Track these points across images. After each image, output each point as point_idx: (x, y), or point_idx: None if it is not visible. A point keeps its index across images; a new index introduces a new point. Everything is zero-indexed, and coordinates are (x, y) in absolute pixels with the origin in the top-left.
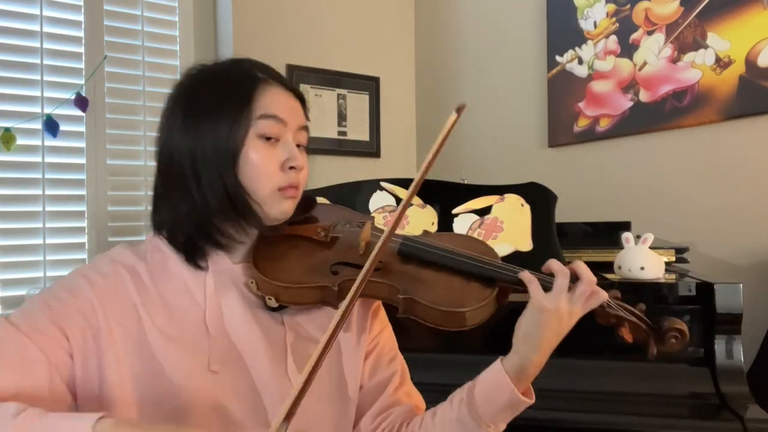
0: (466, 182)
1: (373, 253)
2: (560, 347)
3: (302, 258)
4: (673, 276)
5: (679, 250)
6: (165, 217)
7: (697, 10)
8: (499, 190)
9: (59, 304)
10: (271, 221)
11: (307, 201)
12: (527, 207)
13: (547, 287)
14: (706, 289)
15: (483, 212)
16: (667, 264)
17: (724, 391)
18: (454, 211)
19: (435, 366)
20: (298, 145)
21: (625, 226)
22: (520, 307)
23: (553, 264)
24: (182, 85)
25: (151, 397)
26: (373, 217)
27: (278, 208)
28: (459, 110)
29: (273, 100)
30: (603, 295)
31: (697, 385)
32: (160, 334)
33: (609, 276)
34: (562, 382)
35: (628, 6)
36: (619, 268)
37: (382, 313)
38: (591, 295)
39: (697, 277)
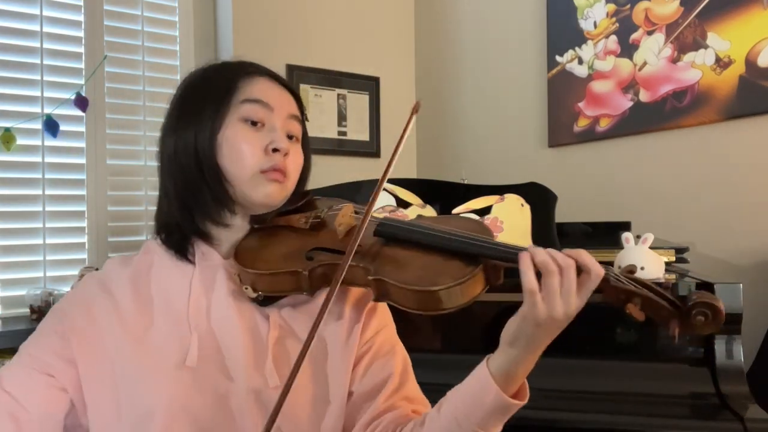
0: (466, 182)
1: (353, 241)
2: (560, 347)
3: (282, 247)
4: (673, 276)
5: (679, 250)
6: (159, 216)
7: (697, 10)
8: (499, 190)
9: (37, 351)
10: (257, 207)
11: (301, 195)
12: (527, 207)
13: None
14: (706, 289)
15: (483, 212)
16: (667, 264)
17: (724, 391)
18: (454, 211)
19: (435, 366)
20: (290, 136)
21: (625, 226)
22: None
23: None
24: (179, 87)
25: (126, 398)
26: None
27: (262, 191)
28: (415, 109)
29: (259, 86)
30: (598, 271)
31: (697, 385)
32: (133, 338)
33: None
34: (562, 382)
35: (628, 6)
36: (619, 268)
37: (381, 311)
38: (586, 277)
39: (697, 277)
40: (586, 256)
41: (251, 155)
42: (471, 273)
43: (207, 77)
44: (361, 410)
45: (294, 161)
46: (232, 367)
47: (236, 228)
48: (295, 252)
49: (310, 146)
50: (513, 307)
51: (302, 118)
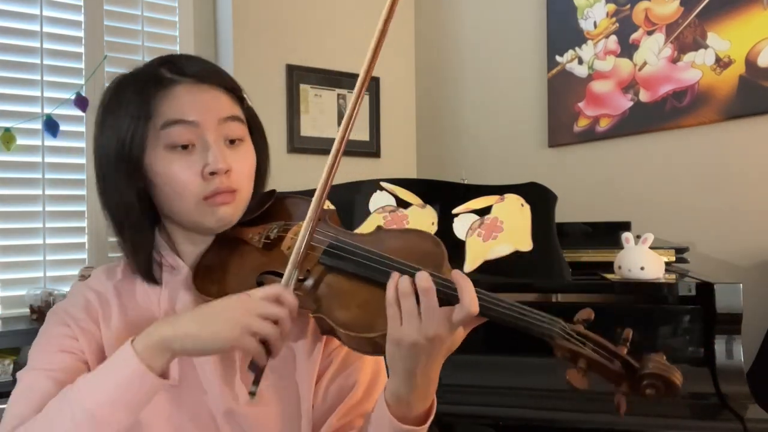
0: (466, 182)
1: (288, 268)
2: None
3: (235, 267)
4: (673, 276)
5: (679, 250)
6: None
7: (697, 10)
8: (499, 190)
9: (56, 338)
10: (214, 231)
11: (265, 196)
12: (527, 207)
13: (445, 299)
14: (706, 289)
15: (483, 212)
16: (667, 264)
17: (724, 391)
18: (454, 211)
19: None
20: (232, 141)
21: (625, 226)
22: (532, 305)
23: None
24: (101, 98)
25: None
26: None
27: (212, 218)
28: None
29: (177, 102)
30: (471, 304)
31: (697, 385)
32: (113, 345)
33: (609, 276)
34: (561, 382)
35: (628, 6)
36: (619, 268)
37: None
38: (430, 306)
39: (697, 277)
40: (462, 285)
41: (188, 184)
42: None
43: (119, 99)
44: (322, 423)
45: (242, 169)
46: (206, 383)
47: (199, 242)
48: (246, 275)
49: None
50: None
51: (244, 110)
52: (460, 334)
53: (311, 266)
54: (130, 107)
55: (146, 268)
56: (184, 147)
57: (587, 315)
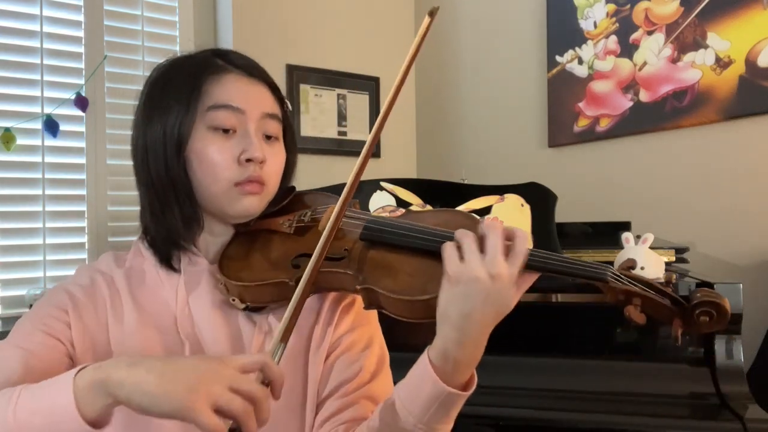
0: (466, 182)
1: (321, 240)
2: (560, 346)
3: (266, 254)
4: (673, 276)
5: (679, 250)
6: (142, 217)
7: (697, 10)
8: (499, 190)
9: (48, 318)
10: (234, 219)
11: (285, 192)
12: (527, 207)
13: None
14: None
15: (483, 212)
16: (667, 264)
17: (724, 391)
18: None
19: None
20: (269, 137)
21: (625, 226)
22: (532, 304)
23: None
24: (145, 85)
25: None
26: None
27: (238, 206)
28: (432, 13)
29: (227, 88)
30: (523, 245)
31: (697, 385)
32: (124, 339)
33: None
34: (562, 382)
35: (628, 6)
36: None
37: (357, 310)
38: (508, 247)
39: (697, 277)
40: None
41: (223, 167)
42: None
43: (170, 78)
44: (323, 407)
45: (273, 165)
46: None
47: (219, 233)
48: (280, 259)
49: (297, 142)
50: (530, 307)
51: (282, 111)
52: (514, 293)
53: (350, 245)
54: (183, 87)
55: (173, 251)
56: (225, 131)
57: (630, 263)
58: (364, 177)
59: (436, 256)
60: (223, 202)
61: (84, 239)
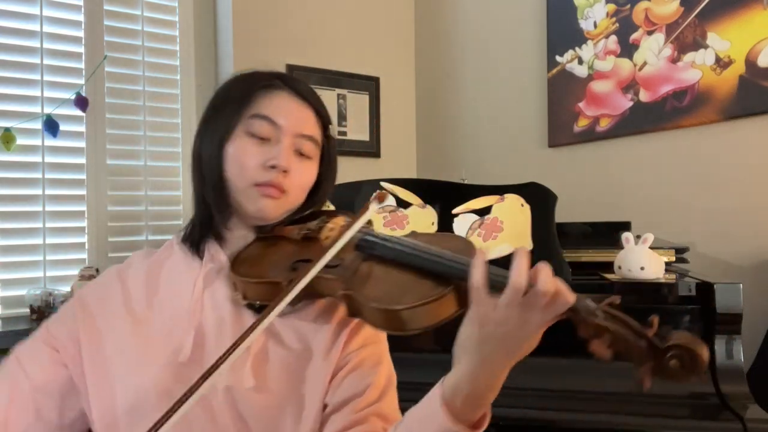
0: (466, 182)
1: (330, 251)
2: (560, 347)
3: (274, 257)
4: (673, 276)
5: (679, 250)
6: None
7: (697, 10)
8: (499, 190)
9: (52, 327)
10: (251, 219)
11: (308, 208)
12: (527, 207)
13: (497, 286)
14: (706, 289)
15: (483, 212)
16: (667, 264)
17: (724, 391)
18: (454, 211)
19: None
20: (301, 154)
21: (625, 226)
22: None
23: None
24: (215, 90)
25: (120, 384)
26: (349, 213)
27: (254, 205)
28: (379, 198)
29: (274, 103)
30: (566, 299)
31: (697, 385)
32: (134, 325)
33: (609, 276)
34: (561, 382)
35: (628, 6)
36: (619, 268)
37: (366, 332)
38: (551, 301)
39: (697, 277)
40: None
41: (249, 168)
42: (439, 294)
43: (228, 87)
44: (329, 421)
45: (297, 178)
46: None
47: (241, 235)
48: (282, 262)
49: (335, 171)
50: None
51: (324, 136)
52: (538, 335)
53: (345, 254)
54: (238, 94)
55: (206, 236)
56: (261, 139)
57: (614, 300)
58: (363, 177)
59: (423, 272)
60: (243, 198)
61: (84, 239)
